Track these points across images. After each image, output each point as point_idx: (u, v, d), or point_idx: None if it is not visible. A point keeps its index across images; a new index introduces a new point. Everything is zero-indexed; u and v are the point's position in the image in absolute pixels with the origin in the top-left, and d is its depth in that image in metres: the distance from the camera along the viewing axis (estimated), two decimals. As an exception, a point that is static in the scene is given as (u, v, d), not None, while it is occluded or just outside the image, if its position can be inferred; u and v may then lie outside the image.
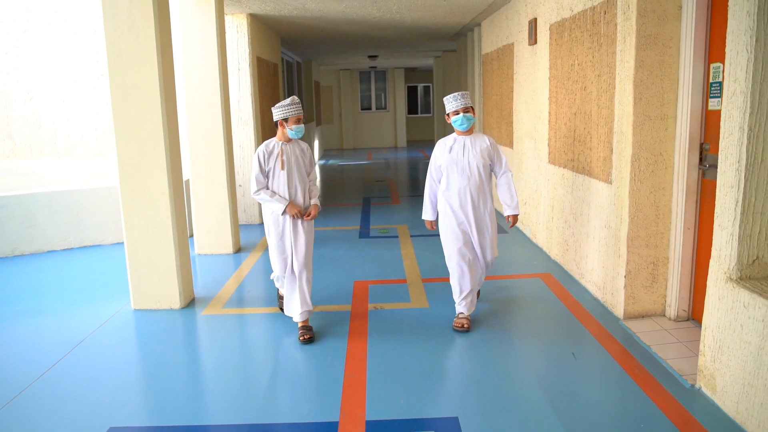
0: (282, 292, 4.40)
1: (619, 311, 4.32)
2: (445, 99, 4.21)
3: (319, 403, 3.27)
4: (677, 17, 3.89)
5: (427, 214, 4.40)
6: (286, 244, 4.14)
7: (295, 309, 4.16)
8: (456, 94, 4.15)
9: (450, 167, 4.19)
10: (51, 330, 4.46)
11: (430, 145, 19.68)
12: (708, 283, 3.16)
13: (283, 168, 4.12)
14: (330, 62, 17.35)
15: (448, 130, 14.78)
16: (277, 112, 4.10)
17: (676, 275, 4.13)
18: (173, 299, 4.81)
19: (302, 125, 4.13)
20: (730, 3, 2.88)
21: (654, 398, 3.22)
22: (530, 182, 6.74)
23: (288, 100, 4.09)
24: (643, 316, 4.28)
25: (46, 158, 8.30)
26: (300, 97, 13.86)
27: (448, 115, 4.20)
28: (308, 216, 4.16)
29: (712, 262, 3.12)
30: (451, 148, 4.22)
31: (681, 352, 3.73)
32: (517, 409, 3.18)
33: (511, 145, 7.72)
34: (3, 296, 5.34)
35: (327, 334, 4.23)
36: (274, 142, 4.16)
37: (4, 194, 6.84)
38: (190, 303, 4.95)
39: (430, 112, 22.41)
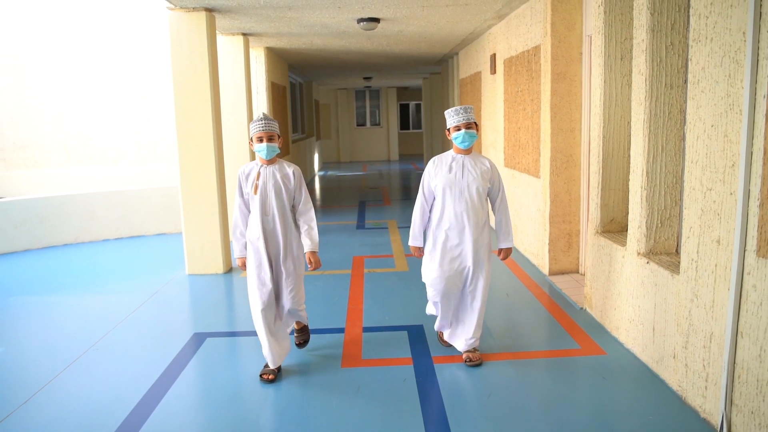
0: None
1: (545, 270, 5.95)
2: (446, 112, 3.76)
3: (330, 318, 4.90)
4: (579, 60, 5.57)
5: (414, 240, 3.94)
6: (264, 273, 3.78)
7: (276, 353, 3.83)
8: (458, 107, 3.71)
9: (446, 189, 3.74)
10: (127, 288, 6.06)
11: (421, 158, 21.35)
12: (587, 237, 4.80)
13: (255, 192, 3.72)
14: (328, 82, 19.06)
15: (436, 144, 16.43)
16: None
17: (584, 243, 5.78)
18: (218, 266, 6.42)
19: (265, 144, 3.66)
20: (592, 57, 4.56)
21: (556, 317, 4.85)
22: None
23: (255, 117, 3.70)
24: (562, 273, 5.91)
25: (95, 166, 9.93)
26: (302, 114, 15.33)
27: (448, 130, 3.77)
28: (310, 266, 3.81)
29: (589, 223, 4.77)
30: (450, 167, 3.77)
31: (582, 291, 5.36)
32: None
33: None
34: (79, 270, 6.95)
35: (334, 285, 5.84)
36: (252, 165, 3.81)
37: (68, 193, 8.46)
38: (229, 270, 6.56)
39: (420, 128, 24.13)
